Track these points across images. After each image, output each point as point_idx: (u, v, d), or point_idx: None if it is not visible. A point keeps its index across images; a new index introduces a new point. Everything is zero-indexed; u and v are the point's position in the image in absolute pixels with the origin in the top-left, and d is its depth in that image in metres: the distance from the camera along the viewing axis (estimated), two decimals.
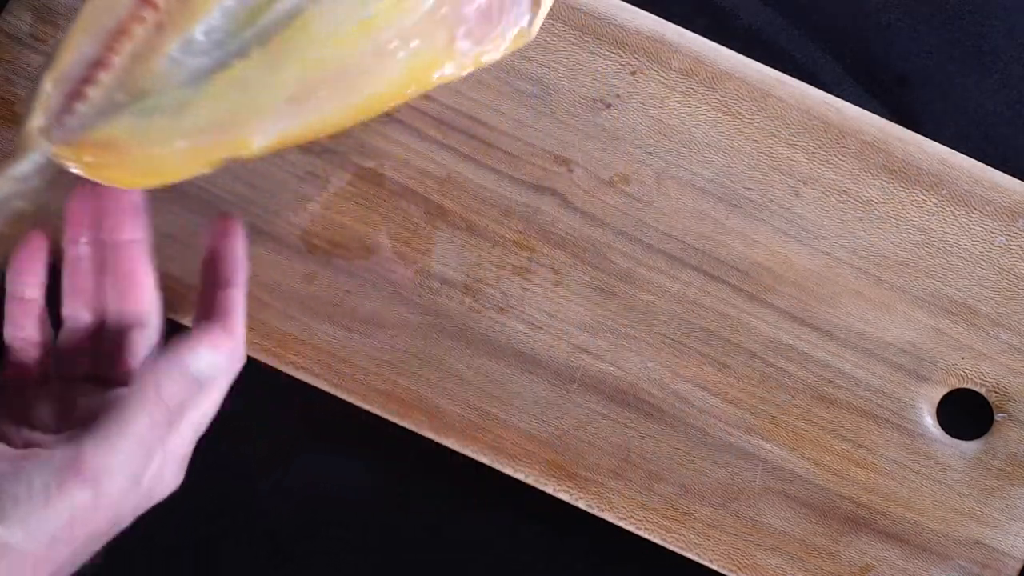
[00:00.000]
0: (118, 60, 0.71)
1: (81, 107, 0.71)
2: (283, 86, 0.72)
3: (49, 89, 0.70)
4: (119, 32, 0.71)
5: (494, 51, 0.74)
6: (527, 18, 0.75)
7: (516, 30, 0.74)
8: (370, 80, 0.73)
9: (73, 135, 0.71)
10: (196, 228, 0.84)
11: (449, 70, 0.74)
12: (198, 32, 0.72)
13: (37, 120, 0.70)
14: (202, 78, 0.72)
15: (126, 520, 0.69)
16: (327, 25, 0.72)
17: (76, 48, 0.71)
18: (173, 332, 0.85)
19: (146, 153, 0.72)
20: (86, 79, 0.71)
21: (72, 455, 0.65)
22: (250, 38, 0.72)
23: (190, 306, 0.84)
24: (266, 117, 0.72)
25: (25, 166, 0.70)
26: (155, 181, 0.73)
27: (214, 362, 0.72)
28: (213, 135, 0.72)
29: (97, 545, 0.68)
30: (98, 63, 0.71)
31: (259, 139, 0.72)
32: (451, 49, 0.74)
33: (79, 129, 0.71)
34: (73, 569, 0.67)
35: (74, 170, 0.71)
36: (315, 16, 0.72)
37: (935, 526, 0.83)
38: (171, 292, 0.84)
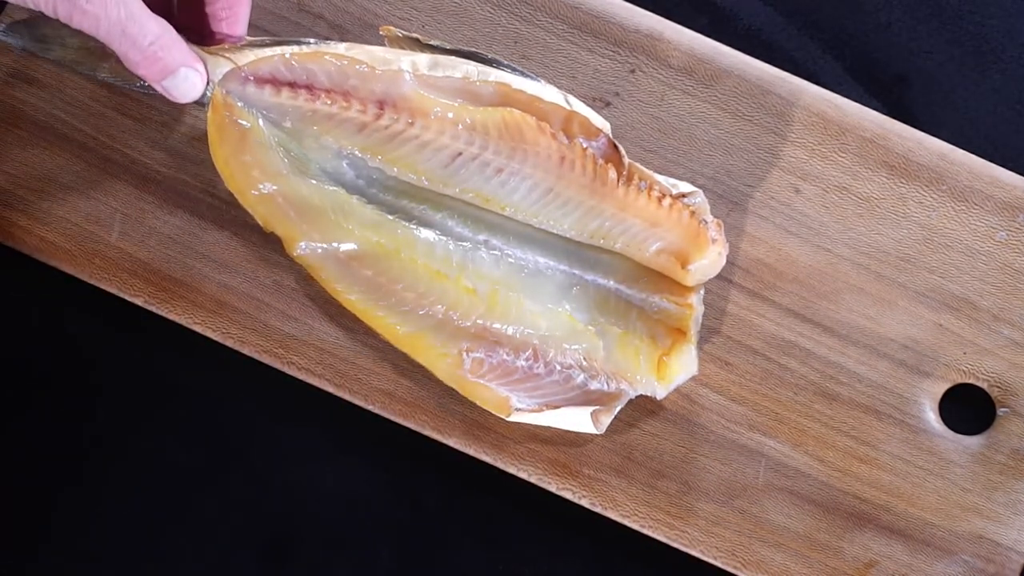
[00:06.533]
0: (320, 105, 0.80)
1: (252, 89, 0.80)
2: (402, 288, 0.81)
3: (253, 56, 0.80)
4: (351, 95, 0.80)
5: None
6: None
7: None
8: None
9: (232, 92, 0.79)
10: (197, 230, 0.84)
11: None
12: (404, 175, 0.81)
13: (224, 62, 0.79)
14: (372, 207, 0.81)
15: None
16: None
17: (314, 61, 0.79)
18: (167, 334, 0.85)
19: (250, 161, 0.80)
20: (291, 84, 0.80)
21: None
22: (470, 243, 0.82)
23: (190, 306, 0.84)
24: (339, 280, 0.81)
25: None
26: (230, 180, 0.80)
27: None
28: (299, 219, 0.80)
29: None
30: (308, 87, 0.80)
31: (305, 250, 0.81)
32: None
33: (238, 95, 0.80)
34: None
35: (208, 93, 0.79)
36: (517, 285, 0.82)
37: (938, 521, 0.83)
38: (171, 292, 0.84)
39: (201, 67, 0.77)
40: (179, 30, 0.78)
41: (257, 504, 0.88)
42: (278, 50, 0.80)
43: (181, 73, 0.76)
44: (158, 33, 0.74)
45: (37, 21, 0.81)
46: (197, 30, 0.80)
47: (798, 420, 0.84)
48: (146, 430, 0.88)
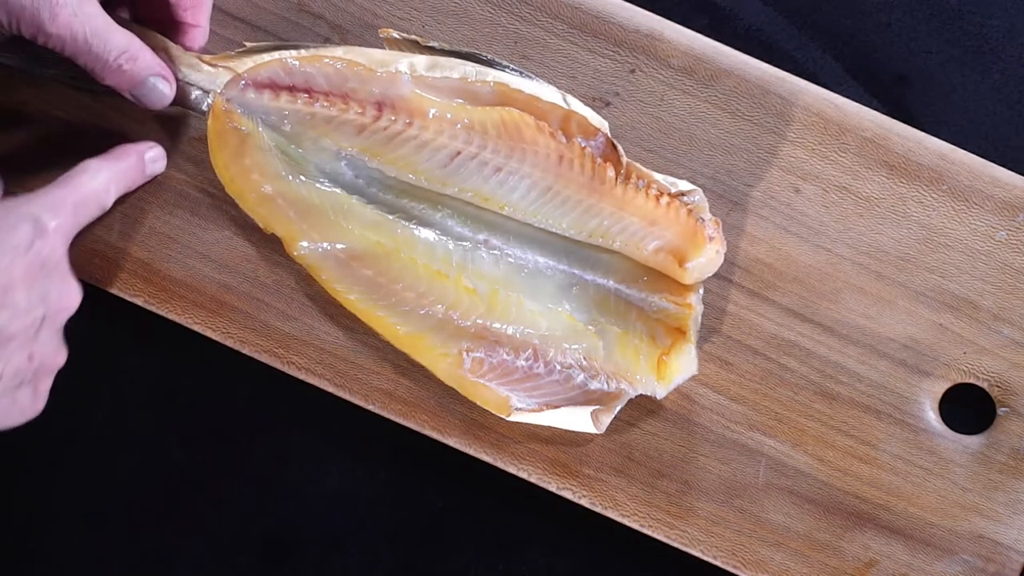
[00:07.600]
0: (319, 108, 0.80)
1: (251, 95, 0.80)
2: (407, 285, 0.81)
3: (252, 63, 0.80)
4: (349, 97, 0.80)
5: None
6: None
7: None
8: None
9: (232, 99, 0.80)
10: (197, 230, 0.84)
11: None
12: (409, 177, 0.81)
13: (225, 72, 0.80)
14: (372, 207, 0.81)
15: None
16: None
17: (313, 64, 0.80)
18: (167, 334, 0.85)
19: (250, 165, 0.80)
20: (290, 88, 0.80)
21: None
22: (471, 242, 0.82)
23: (190, 306, 0.84)
24: (341, 280, 0.81)
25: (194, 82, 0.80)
26: (230, 184, 0.80)
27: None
28: (299, 220, 0.81)
29: None
30: (307, 91, 0.80)
31: (305, 250, 0.81)
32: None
33: (238, 102, 0.80)
34: None
35: (209, 101, 0.80)
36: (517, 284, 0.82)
37: (938, 521, 0.83)
38: (171, 292, 0.84)
39: (170, 74, 0.77)
40: (141, 22, 0.78)
41: (257, 504, 0.88)
42: (276, 55, 0.80)
43: (149, 83, 0.76)
44: (124, 46, 0.74)
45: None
46: (158, 20, 0.80)
47: (798, 420, 0.84)
48: (146, 430, 0.88)
